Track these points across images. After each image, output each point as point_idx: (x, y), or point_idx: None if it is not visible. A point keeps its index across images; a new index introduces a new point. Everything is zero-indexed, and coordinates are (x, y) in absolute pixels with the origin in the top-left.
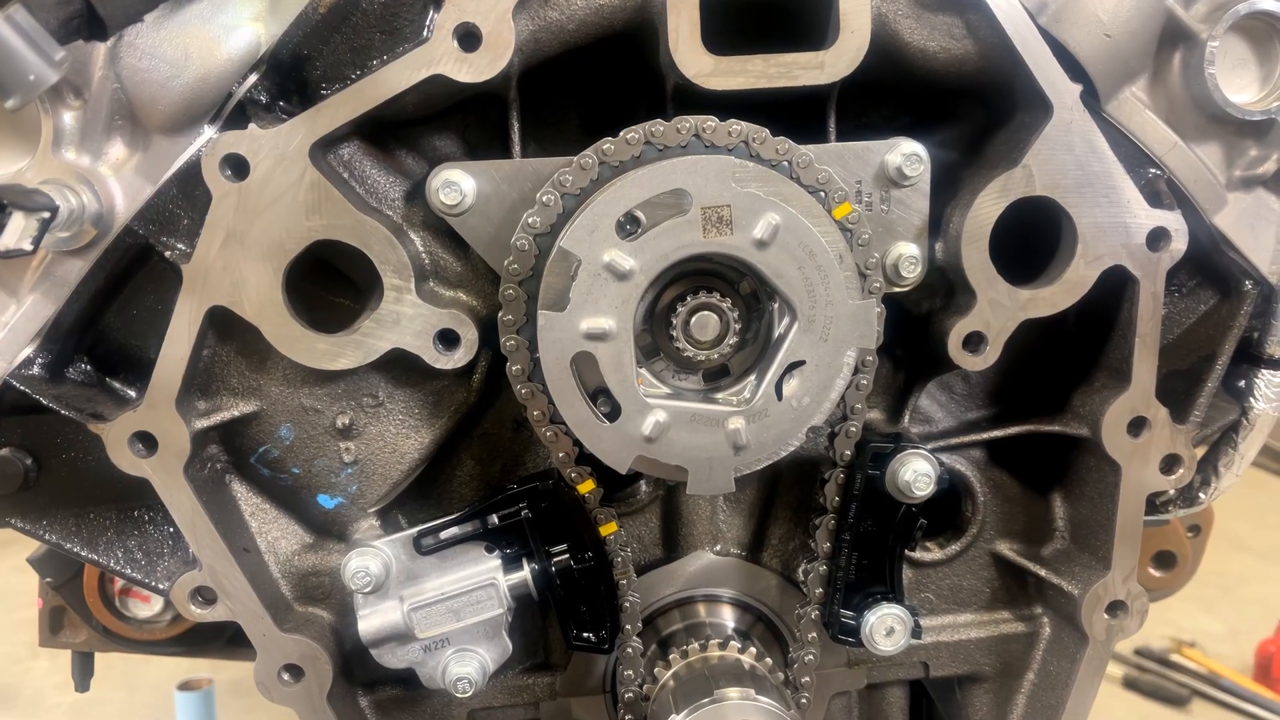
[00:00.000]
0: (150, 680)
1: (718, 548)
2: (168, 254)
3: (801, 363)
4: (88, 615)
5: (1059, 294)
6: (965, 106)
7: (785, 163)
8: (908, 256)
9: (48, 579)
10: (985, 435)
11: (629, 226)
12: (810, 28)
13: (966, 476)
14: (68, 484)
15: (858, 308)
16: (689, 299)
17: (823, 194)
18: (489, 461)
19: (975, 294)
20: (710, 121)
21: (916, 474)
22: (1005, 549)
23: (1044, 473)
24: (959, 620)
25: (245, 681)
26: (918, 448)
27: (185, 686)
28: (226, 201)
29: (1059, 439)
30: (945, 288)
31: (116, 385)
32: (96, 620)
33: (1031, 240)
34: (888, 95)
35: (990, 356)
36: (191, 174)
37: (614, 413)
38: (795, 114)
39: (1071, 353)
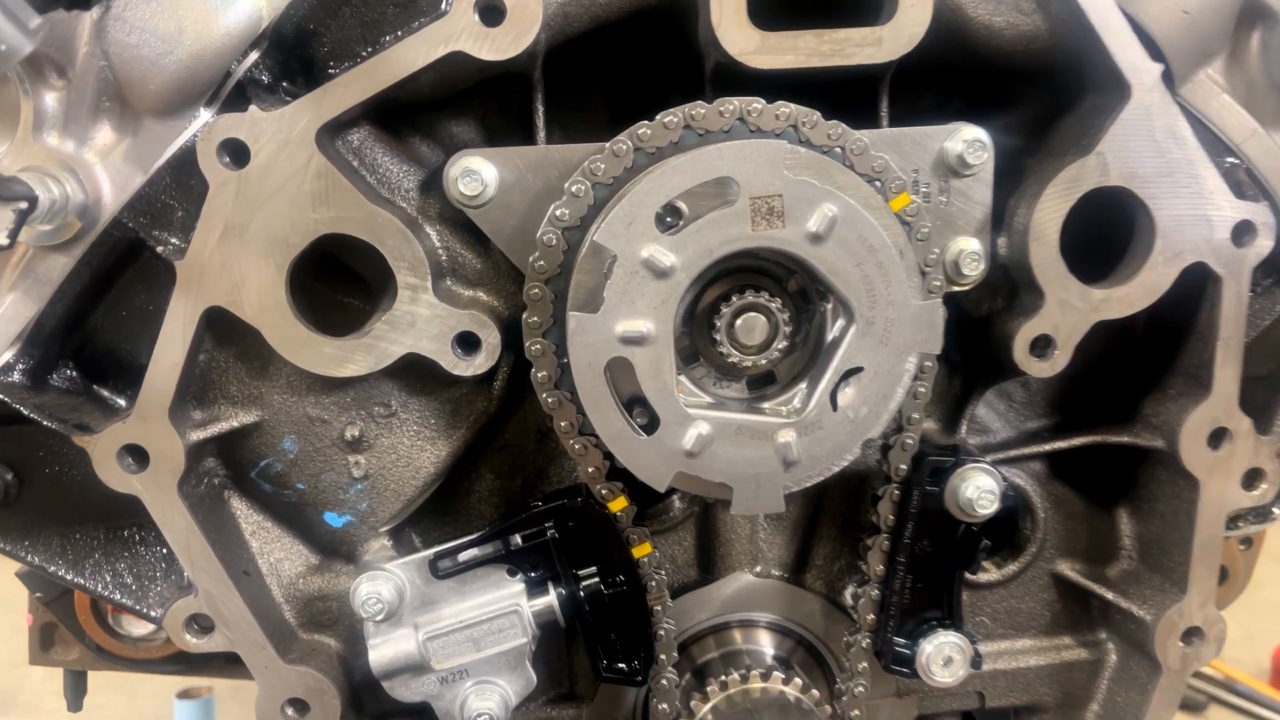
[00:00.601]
0: (150, 687)
1: (758, 569)
2: (160, 249)
3: (859, 369)
4: (80, 632)
5: (1135, 294)
6: (1026, 89)
7: (838, 149)
8: (969, 253)
9: (37, 594)
10: (1047, 447)
11: (669, 219)
12: (859, 3)
13: (1026, 491)
14: (51, 501)
15: (921, 308)
16: (734, 299)
17: (879, 183)
18: (510, 475)
19: (1043, 294)
20: (756, 103)
21: (979, 491)
22: (1067, 569)
23: (1108, 486)
24: (1017, 646)
25: (246, 688)
26: (979, 461)
27: (185, 694)
28: (225, 191)
29: (1127, 450)
30: (1008, 287)
31: (104, 393)
32: (89, 638)
33: (1097, 235)
34: (941, 77)
35: (1059, 362)
36: (186, 161)
37: (651, 424)
38: (841, 98)
39: (1141, 356)
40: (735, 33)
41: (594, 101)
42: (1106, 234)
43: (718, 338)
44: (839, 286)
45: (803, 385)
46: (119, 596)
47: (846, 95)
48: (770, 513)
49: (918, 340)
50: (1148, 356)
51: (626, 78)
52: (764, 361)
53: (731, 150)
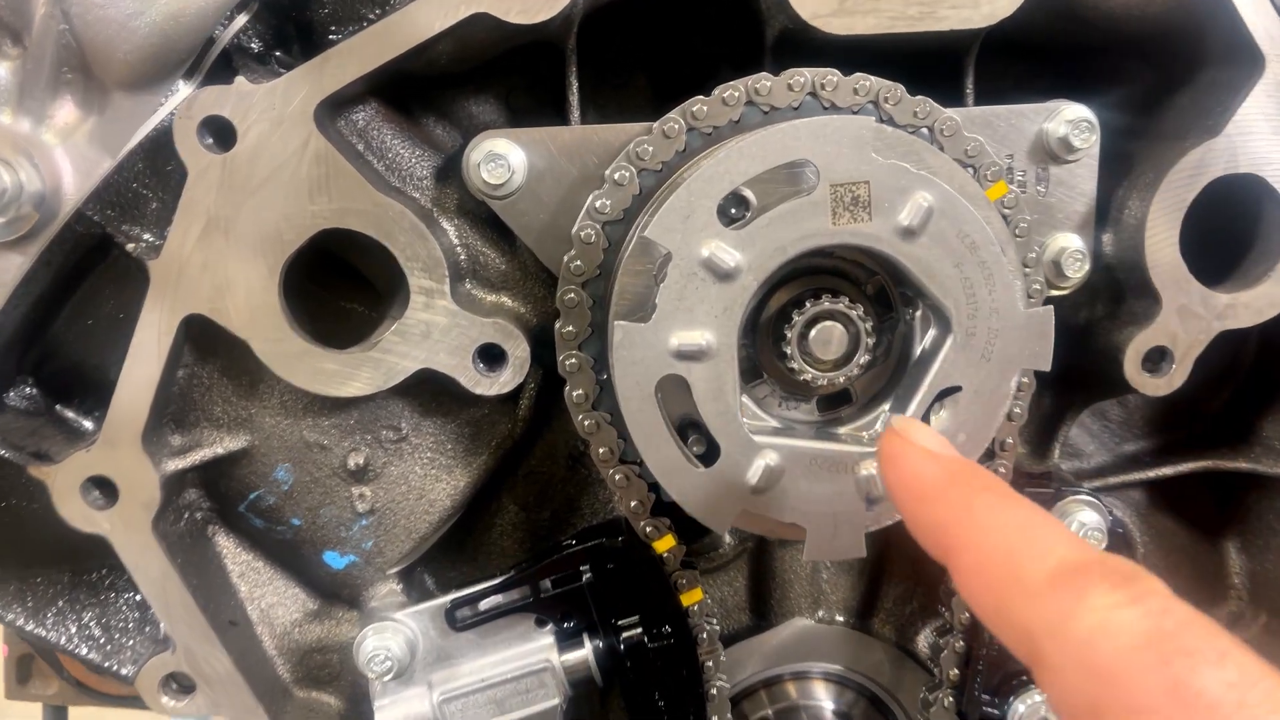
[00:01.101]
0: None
1: (820, 613)
2: (131, 247)
3: (957, 388)
4: (58, 666)
5: (1263, 300)
6: (1128, 62)
7: (925, 129)
8: (1072, 251)
9: None
10: (1151, 473)
11: (734, 211)
12: None
13: (1124, 523)
14: (8, 539)
15: (1030, 317)
16: (806, 305)
17: (972, 169)
18: (537, 507)
19: (1159, 299)
20: (831, 75)
21: (1083, 526)
22: None
23: (1215, 516)
24: None
25: None
26: (1080, 492)
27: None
28: (207, 178)
29: (1239, 476)
30: (1111, 290)
31: (69, 414)
32: (68, 672)
33: (1206, 230)
34: (1030, 49)
35: (1177, 379)
36: (162, 143)
37: (710, 454)
38: (915, 71)
39: (1255, 369)
40: None
41: (634, 77)
42: (1218, 228)
43: (787, 350)
44: (935, 291)
45: (885, 407)
46: (85, 651)
47: (922, 69)
48: (849, 558)
49: (1025, 355)
50: (1264, 369)
51: (670, 50)
52: (841, 379)
53: (810, 129)
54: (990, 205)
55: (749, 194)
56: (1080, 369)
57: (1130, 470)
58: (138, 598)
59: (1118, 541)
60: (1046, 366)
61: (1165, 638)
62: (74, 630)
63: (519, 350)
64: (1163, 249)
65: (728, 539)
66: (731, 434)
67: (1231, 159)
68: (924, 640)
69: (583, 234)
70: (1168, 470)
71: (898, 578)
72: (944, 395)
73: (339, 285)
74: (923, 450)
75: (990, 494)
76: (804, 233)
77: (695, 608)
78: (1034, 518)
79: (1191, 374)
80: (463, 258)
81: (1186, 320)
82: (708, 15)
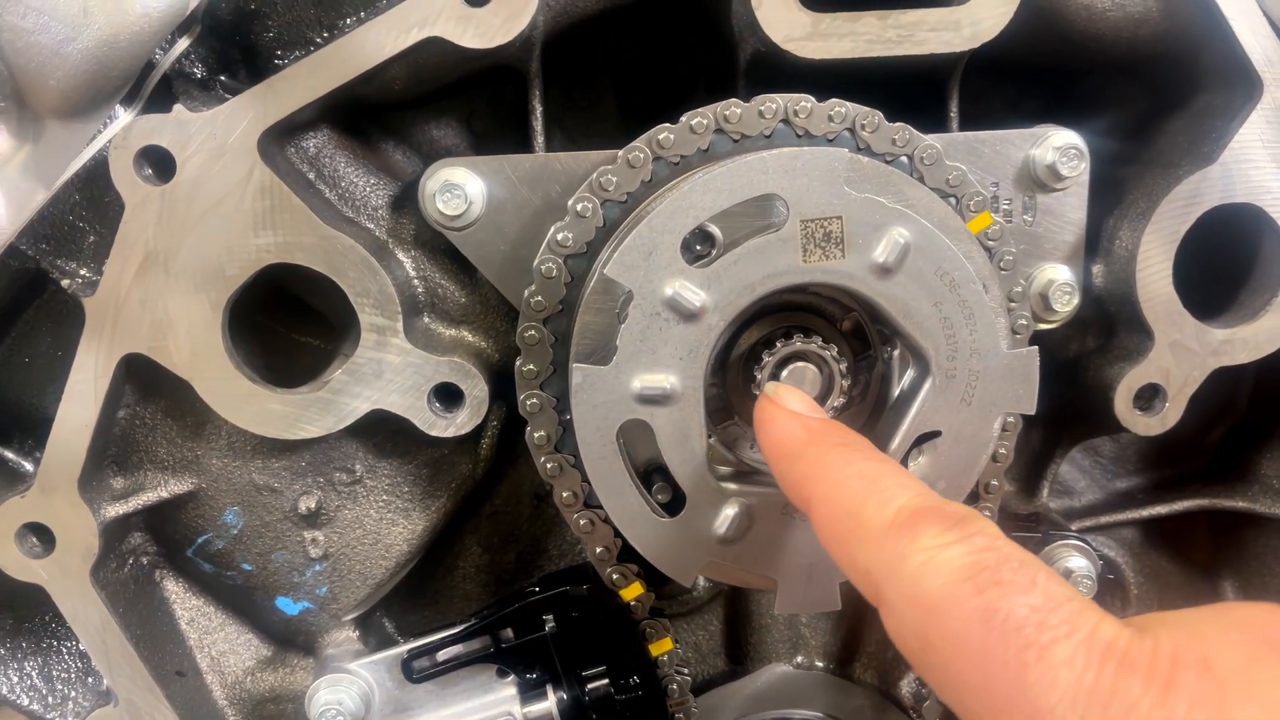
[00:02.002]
0: None
1: (799, 659)
2: (66, 283)
3: (936, 433)
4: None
5: (1262, 335)
6: (1119, 85)
7: (904, 158)
8: (1060, 284)
9: None
10: (1145, 512)
11: (699, 247)
12: None
13: (1116, 563)
14: None
15: (1012, 359)
16: (778, 345)
17: (954, 200)
18: (501, 548)
19: (1152, 334)
20: (805, 101)
21: (1071, 573)
22: None
23: (1209, 554)
24: None
25: None
26: (1068, 536)
27: None
28: (145, 211)
29: (1238, 515)
30: (1101, 323)
31: (8, 454)
32: None
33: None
34: (1017, 71)
35: (1170, 418)
36: (99, 174)
37: (675, 503)
38: (895, 96)
39: (1252, 405)
40: (781, 14)
41: (602, 97)
42: (1213, 259)
43: (758, 392)
44: (912, 331)
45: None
46: (26, 702)
47: (904, 92)
48: (822, 611)
49: (1008, 398)
50: (1261, 404)
51: (639, 71)
52: None
53: (779, 161)
54: (972, 239)
55: (714, 230)
56: (1070, 405)
57: (1123, 509)
58: (81, 646)
59: (1109, 586)
60: (1031, 410)
61: (982, 570)
62: (15, 680)
63: (477, 390)
64: (1155, 281)
65: (703, 581)
66: (698, 482)
67: (1228, 188)
68: (906, 686)
69: (544, 268)
70: (1161, 509)
71: (879, 622)
72: (922, 440)
73: (293, 319)
74: (788, 413)
75: (843, 450)
76: (773, 270)
77: (665, 657)
78: (880, 469)
79: (1186, 411)
80: (420, 290)
81: (1180, 356)
82: (678, 37)
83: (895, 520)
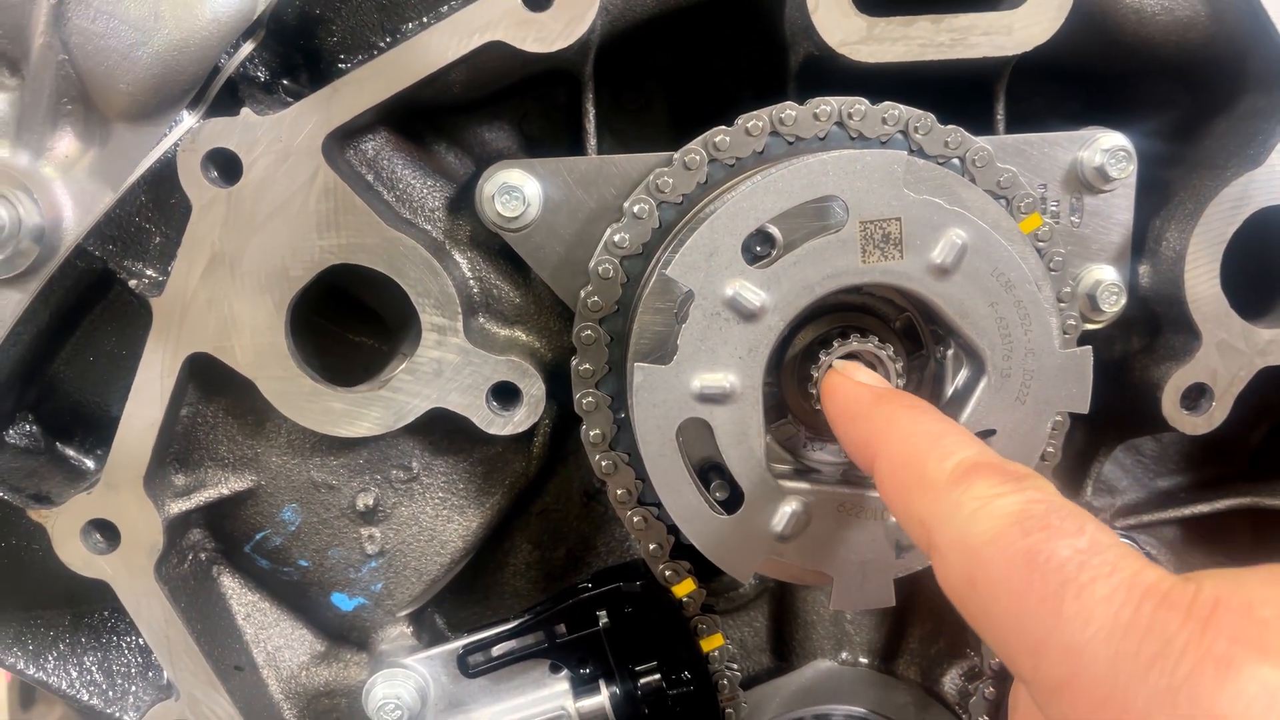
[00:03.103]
0: None
1: (843, 655)
2: (133, 283)
3: (991, 432)
4: None
5: None
6: (1163, 87)
7: (956, 160)
8: (1108, 284)
9: None
10: (1187, 511)
11: (758, 248)
12: None
13: (1158, 561)
14: (9, 580)
15: (1067, 358)
16: (835, 344)
17: (1005, 201)
18: (551, 545)
19: (1199, 334)
20: (859, 104)
21: None
22: None
23: (1250, 552)
24: None
25: None
26: (1114, 532)
27: None
28: (211, 213)
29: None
30: (1147, 324)
31: (70, 452)
32: None
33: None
34: (1063, 74)
35: (1217, 417)
36: (165, 176)
37: (733, 500)
38: (943, 97)
39: None
40: (837, 19)
41: (651, 101)
42: (1259, 259)
43: (814, 391)
44: (969, 331)
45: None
46: (86, 697)
47: (949, 94)
48: (878, 607)
49: (1062, 397)
50: None
51: (689, 77)
52: None
53: (839, 163)
54: (1024, 240)
55: (774, 230)
56: (1115, 404)
57: (1165, 507)
58: (140, 641)
59: None
60: (1084, 409)
61: (1030, 517)
62: (75, 675)
63: (534, 389)
64: (1203, 283)
65: (750, 579)
66: (756, 479)
67: (1275, 190)
68: (950, 683)
69: (600, 269)
70: (1203, 507)
71: (923, 618)
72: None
73: (347, 319)
74: (856, 381)
75: (910, 410)
76: (832, 271)
77: (715, 653)
78: (944, 427)
79: (1230, 410)
80: (476, 291)
81: (1227, 356)
82: (729, 40)
83: (954, 472)
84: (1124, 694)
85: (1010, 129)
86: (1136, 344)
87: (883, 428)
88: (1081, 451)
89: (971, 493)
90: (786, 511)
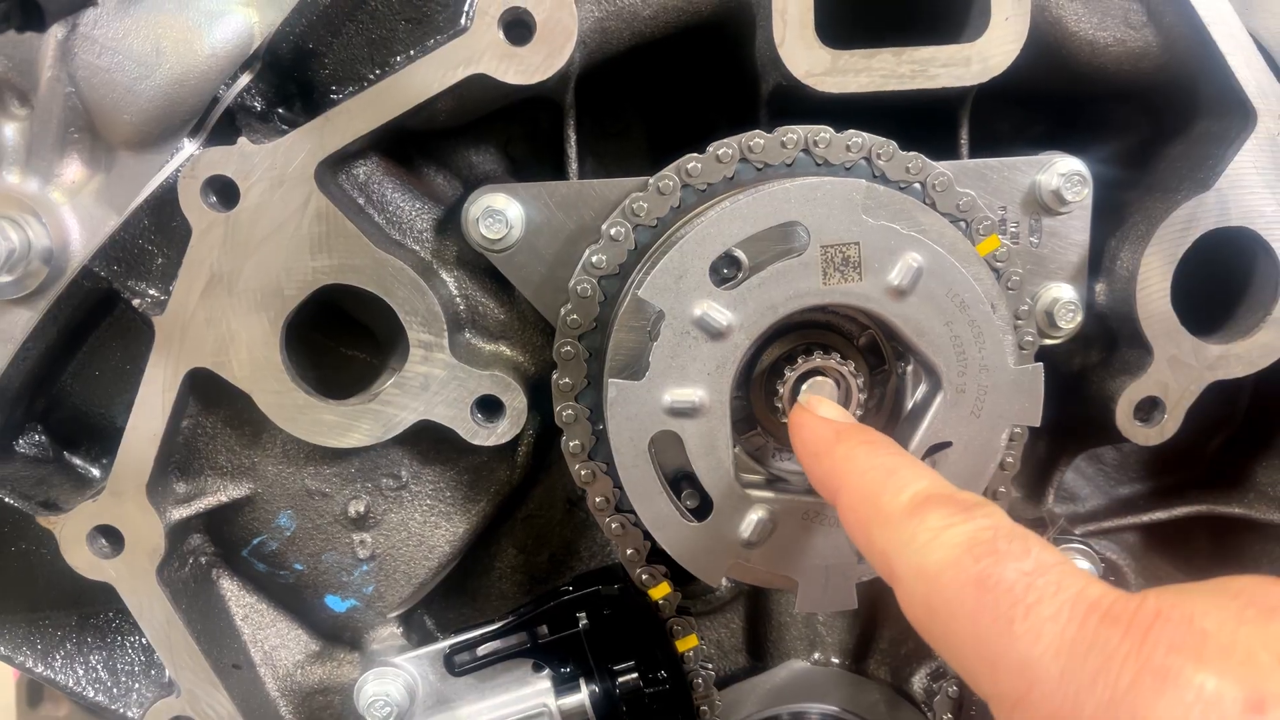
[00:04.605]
0: None
1: (816, 655)
2: (137, 302)
3: (947, 444)
4: None
5: (1255, 351)
6: (1122, 112)
7: (918, 185)
8: (1065, 302)
9: None
10: (1145, 517)
11: (725, 270)
12: (938, 18)
13: (1119, 566)
14: (19, 582)
15: (1019, 374)
16: (799, 360)
17: (964, 224)
18: (535, 550)
19: (1151, 349)
20: (824, 132)
21: None
22: None
23: (1208, 558)
24: None
25: None
26: (1072, 540)
27: None
28: (210, 236)
29: (1237, 521)
30: (1104, 339)
31: (77, 461)
32: None
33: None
34: (1024, 100)
35: (1168, 428)
36: (167, 201)
37: (703, 508)
38: (910, 122)
39: (1250, 415)
40: (802, 52)
41: (631, 127)
42: (1209, 279)
43: (780, 405)
44: (925, 349)
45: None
46: (92, 694)
47: (916, 119)
48: (840, 609)
49: (1014, 411)
50: (1258, 414)
51: (667, 103)
52: None
53: (801, 191)
54: (981, 262)
55: (740, 254)
56: (1074, 416)
57: (1125, 514)
58: (143, 641)
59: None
60: (1036, 422)
61: (980, 544)
62: (81, 673)
63: (516, 401)
64: (1154, 300)
65: (725, 581)
66: (724, 489)
67: (1223, 212)
68: (918, 683)
69: (579, 288)
70: (1162, 514)
71: (892, 621)
72: (934, 450)
73: (341, 334)
74: (819, 417)
75: (867, 446)
76: (795, 292)
77: (690, 654)
78: (899, 462)
79: (1185, 420)
80: (462, 308)
81: (1178, 371)
82: (703, 71)
83: (909, 505)
84: (1074, 706)
85: (976, 152)
86: (1094, 359)
87: (842, 464)
88: (1044, 460)
89: (925, 524)
90: (753, 519)
